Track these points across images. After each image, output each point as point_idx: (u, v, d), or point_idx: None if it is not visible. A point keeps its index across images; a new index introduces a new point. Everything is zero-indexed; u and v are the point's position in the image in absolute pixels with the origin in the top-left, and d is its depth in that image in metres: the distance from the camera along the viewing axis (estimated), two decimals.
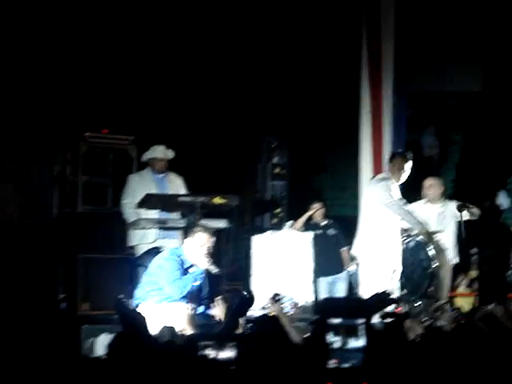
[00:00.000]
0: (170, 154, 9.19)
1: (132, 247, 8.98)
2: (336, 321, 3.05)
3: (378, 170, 11.47)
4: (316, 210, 10.85)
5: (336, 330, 3.05)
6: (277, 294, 7.31)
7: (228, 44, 13.15)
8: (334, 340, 3.06)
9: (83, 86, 11.26)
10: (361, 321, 3.04)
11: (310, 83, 15.16)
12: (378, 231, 8.25)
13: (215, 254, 9.12)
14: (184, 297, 7.25)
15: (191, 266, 7.40)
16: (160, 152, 9.14)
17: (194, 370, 3.56)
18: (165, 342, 4.63)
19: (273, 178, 11.07)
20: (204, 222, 8.50)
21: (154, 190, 8.90)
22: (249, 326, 6.71)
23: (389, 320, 4.64)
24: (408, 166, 8.65)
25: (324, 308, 3.52)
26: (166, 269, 7.32)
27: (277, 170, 11.01)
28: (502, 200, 14.07)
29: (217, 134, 13.06)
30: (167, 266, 7.34)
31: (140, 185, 9.01)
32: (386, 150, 11.51)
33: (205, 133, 12.68)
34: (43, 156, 9.72)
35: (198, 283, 7.33)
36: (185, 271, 7.38)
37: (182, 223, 8.56)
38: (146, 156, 9.20)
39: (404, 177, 8.68)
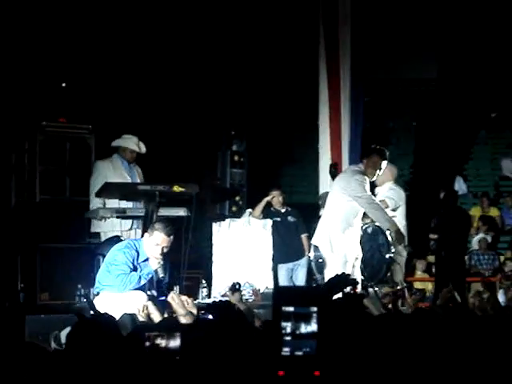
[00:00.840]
0: (143, 148, 9.16)
1: (94, 234, 8.94)
2: (289, 309, 3.06)
3: (336, 157, 11.54)
4: (273, 197, 10.89)
5: (289, 317, 3.06)
6: (236, 283, 7.31)
7: (187, 37, 13.14)
8: (287, 327, 3.08)
9: (40, 74, 11.16)
10: (314, 309, 3.06)
11: (269, 71, 15.19)
12: (343, 221, 8.22)
13: (173, 242, 9.16)
14: (140, 288, 7.21)
15: (146, 259, 7.37)
16: (134, 144, 9.09)
17: (139, 360, 3.53)
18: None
19: (232, 165, 11.07)
20: (163, 210, 8.49)
21: (127, 179, 8.88)
22: (201, 312, 6.71)
23: (345, 301, 4.70)
24: (384, 164, 8.40)
25: (277, 296, 3.52)
26: (117, 260, 7.25)
27: (236, 158, 11.01)
28: (459, 185, 14.25)
29: (177, 122, 13.04)
30: (118, 258, 7.26)
31: (111, 172, 8.98)
32: (345, 138, 11.58)
33: (165, 122, 12.66)
34: (0, 145, 9.62)
35: (143, 282, 7.22)
36: (138, 265, 7.30)
37: (140, 212, 8.51)
38: (118, 143, 9.13)
39: (377, 175, 8.42)
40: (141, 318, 6.65)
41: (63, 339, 6.35)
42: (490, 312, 6.19)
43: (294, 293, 3.38)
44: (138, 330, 4.05)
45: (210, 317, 4.93)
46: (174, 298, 7.12)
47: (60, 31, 11.34)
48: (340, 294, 4.74)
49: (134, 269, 7.28)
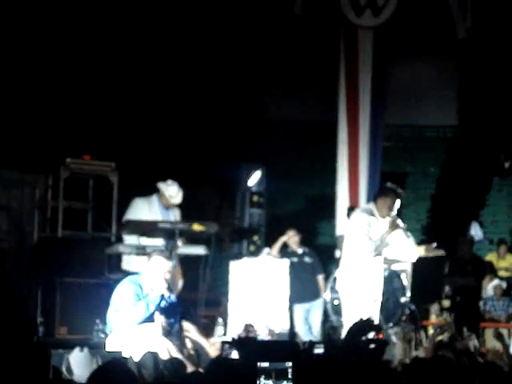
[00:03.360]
0: (178, 198, 9.21)
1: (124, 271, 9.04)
2: (265, 364, 3.11)
3: (354, 199, 11.67)
4: (290, 236, 10.99)
5: (267, 373, 3.10)
6: (249, 325, 7.30)
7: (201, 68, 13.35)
8: None
9: (66, 112, 11.37)
10: (289, 364, 3.09)
11: (289, 112, 15.38)
12: (360, 263, 8.24)
13: (191, 280, 9.25)
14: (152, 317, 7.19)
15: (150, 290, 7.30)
16: (173, 191, 9.18)
17: None
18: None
19: (251, 205, 11.20)
20: (183, 248, 8.62)
21: (159, 218, 8.99)
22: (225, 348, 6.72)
23: (371, 346, 4.75)
24: (398, 203, 8.44)
25: (252, 351, 3.57)
26: (122, 296, 7.25)
27: (255, 199, 11.15)
28: (475, 231, 14.29)
29: (197, 162, 13.21)
30: (122, 294, 7.26)
31: (146, 211, 9.11)
32: (363, 181, 11.71)
33: (186, 161, 12.82)
34: (25, 180, 9.79)
35: (153, 308, 7.14)
36: (143, 297, 7.24)
37: (160, 249, 8.62)
38: (160, 186, 9.22)
39: (391, 214, 8.37)
40: (162, 357, 6.66)
41: (72, 362, 6.40)
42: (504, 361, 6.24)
43: (270, 347, 3.42)
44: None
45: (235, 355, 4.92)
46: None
47: (86, 71, 11.57)
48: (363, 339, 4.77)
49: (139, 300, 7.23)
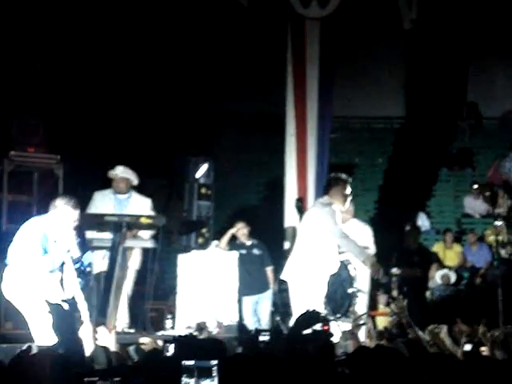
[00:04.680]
0: (128, 175, 9.14)
1: None
2: (190, 362, 3.08)
3: (302, 191, 11.70)
4: (238, 229, 10.99)
5: (190, 371, 3.08)
6: (202, 323, 7.27)
7: (152, 64, 13.27)
8: (189, 382, 3.10)
9: (10, 103, 11.20)
10: (214, 362, 3.08)
11: (236, 104, 15.35)
12: (315, 256, 8.27)
13: (139, 273, 9.19)
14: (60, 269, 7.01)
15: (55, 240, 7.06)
16: (117, 173, 9.12)
17: None
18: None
19: (199, 198, 11.15)
20: (130, 240, 8.55)
21: (111, 210, 8.89)
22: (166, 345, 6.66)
23: (315, 337, 4.75)
24: (349, 190, 8.51)
25: (179, 347, 3.55)
26: (29, 242, 6.94)
27: (203, 191, 11.09)
28: (422, 221, 14.43)
29: (145, 155, 13.12)
30: (30, 240, 6.94)
31: (101, 203, 9.04)
32: (311, 172, 11.75)
33: (133, 154, 12.72)
34: None
35: (58, 262, 6.94)
36: (48, 245, 6.98)
37: (107, 243, 8.56)
38: (110, 174, 9.18)
39: (348, 202, 8.55)
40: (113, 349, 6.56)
41: None
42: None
43: (195, 346, 3.41)
44: (80, 375, 3.97)
45: (172, 350, 4.93)
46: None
47: (34, 57, 11.40)
48: (309, 331, 4.79)
49: (45, 251, 6.99)
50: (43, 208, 9.55)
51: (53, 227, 7.05)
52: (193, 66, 14.61)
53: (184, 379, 3.26)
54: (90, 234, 8.69)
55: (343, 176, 8.56)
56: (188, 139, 13.79)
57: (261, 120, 15.72)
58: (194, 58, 14.56)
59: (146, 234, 8.96)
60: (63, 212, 7.06)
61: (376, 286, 10.89)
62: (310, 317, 4.79)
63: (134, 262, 9.06)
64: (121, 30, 13.40)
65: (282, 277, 8.71)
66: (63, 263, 7.05)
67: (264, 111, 15.31)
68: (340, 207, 8.44)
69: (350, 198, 8.53)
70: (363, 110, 16.95)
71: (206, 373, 3.30)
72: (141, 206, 9.15)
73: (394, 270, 11.58)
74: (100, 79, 12.91)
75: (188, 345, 3.35)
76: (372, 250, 9.22)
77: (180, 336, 5.34)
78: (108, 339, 6.69)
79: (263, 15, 12.60)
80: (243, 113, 15.84)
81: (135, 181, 9.24)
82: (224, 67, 15.22)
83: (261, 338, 5.09)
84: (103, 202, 9.11)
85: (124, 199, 9.16)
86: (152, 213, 9.04)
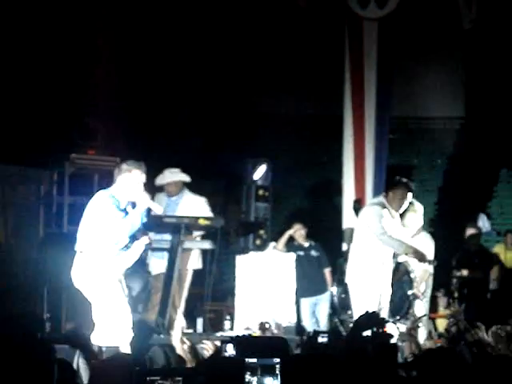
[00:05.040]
0: (177, 176, 9.12)
1: None
2: (253, 360, 3.10)
3: (360, 192, 11.64)
4: (296, 230, 10.99)
5: (253, 369, 3.09)
6: (265, 322, 7.26)
7: (212, 64, 13.33)
8: (252, 380, 3.11)
9: (70, 107, 11.36)
10: (277, 360, 3.09)
11: (294, 106, 15.35)
12: (370, 256, 8.25)
13: (198, 275, 9.23)
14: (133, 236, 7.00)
15: (127, 205, 7.05)
16: (166, 176, 9.13)
17: None
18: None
19: (257, 200, 11.18)
20: (189, 242, 8.60)
21: (163, 212, 8.93)
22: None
23: (375, 339, 4.73)
24: (410, 196, 8.44)
25: (241, 347, 3.55)
26: (105, 212, 6.92)
27: (260, 193, 11.12)
28: (483, 223, 14.24)
29: (203, 157, 13.20)
30: (106, 210, 6.92)
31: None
32: (369, 173, 11.69)
33: (192, 156, 12.81)
34: (30, 176, 9.79)
35: (137, 224, 6.91)
36: (123, 211, 6.97)
37: (166, 244, 8.62)
38: (156, 182, 9.17)
39: (403, 207, 8.49)
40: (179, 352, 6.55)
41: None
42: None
43: (257, 344, 3.40)
44: (141, 374, 4.01)
45: (231, 351, 4.94)
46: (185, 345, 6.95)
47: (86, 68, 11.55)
48: (368, 333, 4.76)
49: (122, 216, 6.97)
50: None
51: (125, 193, 7.04)
52: (252, 68, 14.65)
53: (247, 377, 3.27)
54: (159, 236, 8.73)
55: (409, 183, 8.47)
56: (246, 141, 13.83)
57: (318, 122, 15.68)
58: (253, 60, 14.60)
59: (195, 234, 8.94)
60: (136, 175, 7.07)
61: (436, 288, 10.78)
62: (369, 318, 4.77)
63: (192, 263, 9.10)
64: (178, 31, 13.50)
65: (346, 280, 8.67)
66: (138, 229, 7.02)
67: (322, 112, 15.27)
68: (394, 211, 8.35)
69: (405, 205, 8.43)
70: (422, 111, 16.80)
71: (269, 371, 3.31)
72: (194, 204, 9.10)
73: (455, 272, 11.44)
74: (156, 79, 13.01)
75: (250, 343, 3.36)
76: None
77: (239, 336, 5.35)
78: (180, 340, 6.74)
79: (321, 16, 12.56)
80: (302, 114, 15.83)
81: (186, 178, 9.17)
82: (282, 69, 15.21)
83: (319, 340, 5.09)
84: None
85: (176, 200, 9.18)
86: (208, 210, 9.00)
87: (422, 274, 8.91)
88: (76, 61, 11.26)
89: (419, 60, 16.35)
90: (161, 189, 9.18)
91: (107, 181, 10.09)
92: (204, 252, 8.95)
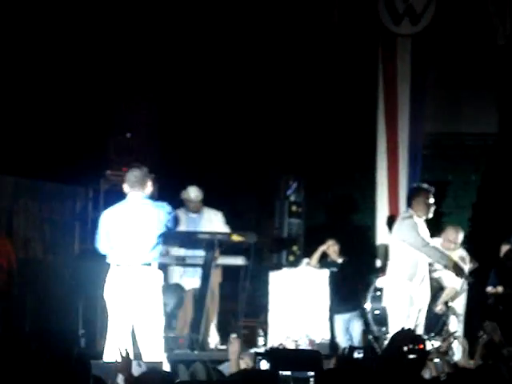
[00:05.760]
0: (194, 194, 9.29)
1: None
2: (286, 373, 3.11)
3: (394, 209, 11.60)
4: (329, 246, 10.97)
5: (287, 382, 3.11)
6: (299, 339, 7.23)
7: (245, 82, 13.38)
8: None
9: (104, 125, 11.47)
10: (311, 373, 3.10)
11: (327, 122, 15.34)
12: (406, 271, 8.24)
13: (231, 291, 9.26)
14: None
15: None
16: (190, 193, 9.26)
17: None
18: None
19: (289, 215, 11.19)
20: (222, 258, 8.63)
21: (182, 229, 9.03)
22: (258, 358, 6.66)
23: (411, 356, 4.71)
24: (432, 200, 8.52)
25: (275, 360, 3.54)
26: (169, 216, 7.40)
27: (293, 208, 11.14)
28: None
29: (235, 171, 13.23)
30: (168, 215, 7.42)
31: None
32: (402, 190, 11.65)
33: (224, 171, 12.85)
34: (66, 193, 9.90)
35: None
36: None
37: (199, 260, 8.66)
38: (181, 196, 9.34)
39: (431, 211, 8.55)
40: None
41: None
42: None
43: (291, 357, 3.41)
44: None
45: (265, 365, 4.95)
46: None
47: (123, 87, 11.65)
48: (404, 349, 4.74)
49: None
50: None
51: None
52: (284, 83, 14.67)
53: None
54: (178, 251, 8.80)
55: (424, 185, 8.60)
56: (278, 157, 13.84)
57: (350, 137, 15.66)
58: (284, 75, 14.63)
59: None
60: (151, 186, 7.51)
61: (471, 305, 10.69)
62: (405, 335, 4.75)
63: (217, 277, 9.15)
64: (227, 51, 13.57)
65: (384, 296, 8.66)
66: None
67: (354, 128, 15.25)
68: (423, 217, 8.39)
69: (433, 208, 8.49)
70: (456, 127, 16.70)
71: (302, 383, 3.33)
72: (212, 220, 9.25)
73: (490, 289, 11.35)
74: (191, 96, 13.10)
75: (284, 356, 3.37)
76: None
77: (273, 348, 5.38)
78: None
79: (353, 32, 12.57)
80: (333, 130, 15.82)
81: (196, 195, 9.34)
82: (312, 84, 15.23)
83: (355, 355, 5.09)
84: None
85: (196, 216, 9.28)
86: (224, 224, 9.14)
87: (450, 291, 8.86)
88: (112, 79, 11.39)
89: (453, 76, 16.29)
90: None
91: None
92: (236, 268, 8.98)
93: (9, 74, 10.78)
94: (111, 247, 7.31)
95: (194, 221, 9.30)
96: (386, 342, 6.92)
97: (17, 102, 10.93)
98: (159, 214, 7.24)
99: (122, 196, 10.04)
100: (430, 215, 8.50)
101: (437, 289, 8.99)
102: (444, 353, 7.00)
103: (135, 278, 7.14)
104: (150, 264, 7.16)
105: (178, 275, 8.94)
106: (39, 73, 10.89)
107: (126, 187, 7.47)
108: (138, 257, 7.17)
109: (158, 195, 9.89)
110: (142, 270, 7.15)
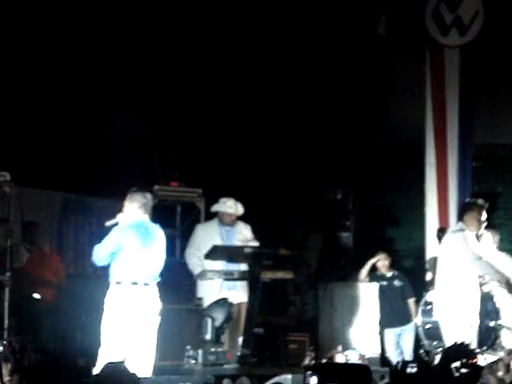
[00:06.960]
0: (240, 209, 9.28)
1: (200, 298, 9.11)
2: None
3: (444, 221, 11.47)
4: (378, 259, 10.89)
5: None
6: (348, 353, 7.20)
7: (288, 99, 13.40)
8: None
9: (152, 140, 11.55)
10: None
11: (375, 134, 15.26)
12: (457, 285, 8.16)
13: (280, 305, 9.23)
14: None
15: None
16: (229, 207, 9.25)
17: None
18: None
19: (338, 229, 11.13)
20: (269, 272, 8.60)
21: (218, 242, 9.04)
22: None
23: (464, 370, 4.65)
24: (484, 215, 8.42)
25: (324, 374, 3.51)
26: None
27: (342, 222, 11.08)
28: None
29: (282, 185, 13.21)
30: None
31: (207, 236, 9.18)
32: (452, 202, 11.52)
33: (271, 185, 12.85)
34: (116, 208, 9.95)
35: None
36: None
37: (246, 275, 8.65)
38: (215, 208, 9.33)
39: (482, 228, 8.45)
40: None
41: None
42: None
43: (340, 371, 3.38)
44: None
45: (315, 380, 4.92)
46: None
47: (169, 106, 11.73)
48: (458, 363, 4.69)
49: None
50: (186, 241, 9.78)
51: None
52: (330, 96, 14.64)
53: None
54: (220, 266, 8.80)
55: (479, 201, 8.47)
56: (327, 170, 13.79)
57: (399, 150, 15.54)
58: (332, 89, 14.60)
59: None
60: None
61: None
62: (459, 349, 4.68)
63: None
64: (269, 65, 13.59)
65: (435, 310, 8.57)
66: None
67: (402, 141, 15.14)
68: (474, 232, 8.29)
69: (484, 224, 8.38)
70: (506, 138, 16.50)
71: None
72: (244, 233, 9.26)
73: None
74: (236, 114, 13.13)
75: (333, 371, 3.34)
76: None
77: (322, 363, 5.35)
78: None
79: (401, 44, 12.50)
80: (381, 143, 15.72)
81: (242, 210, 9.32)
82: (359, 97, 15.16)
83: (408, 370, 5.03)
84: (209, 235, 9.19)
85: (230, 229, 9.27)
86: (252, 237, 9.14)
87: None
88: (159, 94, 11.48)
89: (501, 87, 16.10)
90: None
91: (189, 212, 10.24)
92: (285, 283, 8.95)
93: (60, 93, 10.94)
94: (118, 264, 7.40)
95: (229, 234, 9.28)
96: (438, 357, 6.84)
97: (68, 120, 11.08)
98: (164, 237, 7.64)
99: (170, 211, 10.12)
100: (482, 231, 8.39)
101: (488, 302, 8.85)
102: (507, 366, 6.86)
103: (148, 297, 7.35)
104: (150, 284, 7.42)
105: (218, 289, 8.94)
106: (90, 91, 11.02)
107: (132, 208, 7.62)
108: (153, 276, 7.40)
109: (206, 208, 9.92)
110: (152, 289, 7.37)
